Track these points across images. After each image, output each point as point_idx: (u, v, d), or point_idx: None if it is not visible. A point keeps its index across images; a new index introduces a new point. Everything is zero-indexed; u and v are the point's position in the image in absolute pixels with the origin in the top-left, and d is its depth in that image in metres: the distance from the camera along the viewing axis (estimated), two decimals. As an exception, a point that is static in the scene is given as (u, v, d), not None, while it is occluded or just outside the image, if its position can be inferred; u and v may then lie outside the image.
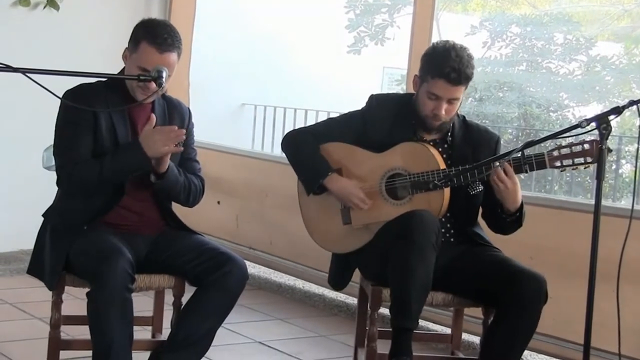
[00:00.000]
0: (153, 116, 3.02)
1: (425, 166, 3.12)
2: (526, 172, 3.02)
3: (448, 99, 3.13)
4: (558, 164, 2.95)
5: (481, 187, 3.18)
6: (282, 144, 3.43)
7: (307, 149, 3.31)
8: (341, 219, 3.28)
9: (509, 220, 3.13)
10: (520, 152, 2.98)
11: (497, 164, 3.01)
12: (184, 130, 3.02)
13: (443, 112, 3.13)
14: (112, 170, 3.01)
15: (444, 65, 3.08)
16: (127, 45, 3.09)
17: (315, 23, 9.44)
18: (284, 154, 3.47)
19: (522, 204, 3.11)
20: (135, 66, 2.99)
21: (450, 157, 3.22)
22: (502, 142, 3.39)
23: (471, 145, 3.25)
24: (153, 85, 2.94)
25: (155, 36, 2.99)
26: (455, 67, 3.07)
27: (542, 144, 3.05)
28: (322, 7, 9.78)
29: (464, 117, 3.33)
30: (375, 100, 3.34)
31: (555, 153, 2.95)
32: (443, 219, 3.17)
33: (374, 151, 3.24)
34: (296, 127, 3.59)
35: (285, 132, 3.50)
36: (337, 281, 3.42)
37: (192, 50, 5.87)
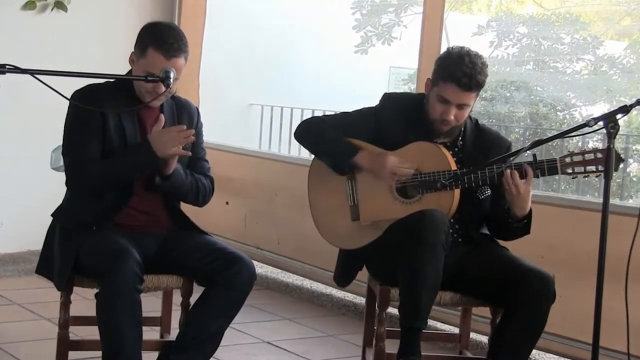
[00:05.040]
0: (162, 117, 3.03)
1: (437, 166, 3.12)
2: (537, 176, 3.03)
3: (457, 104, 3.12)
4: (570, 170, 2.96)
5: (489, 192, 3.18)
6: (297, 131, 3.41)
7: (329, 133, 3.29)
8: (350, 215, 3.28)
9: (514, 225, 3.13)
10: (532, 157, 2.98)
11: (505, 165, 3.01)
12: (193, 131, 3.03)
13: (452, 117, 3.13)
14: (121, 169, 3.02)
15: (456, 69, 3.08)
16: (133, 49, 3.10)
17: (323, 24, 9.45)
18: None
19: (530, 212, 3.11)
20: (143, 71, 2.98)
21: (461, 161, 3.22)
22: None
23: (482, 150, 3.24)
24: (162, 88, 2.95)
25: (162, 42, 2.99)
26: (467, 72, 3.07)
27: (550, 144, 3.05)
28: (329, 7, 9.80)
29: (476, 120, 3.33)
30: (389, 100, 3.34)
31: (568, 160, 2.96)
32: (451, 220, 3.17)
33: (386, 149, 3.24)
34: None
35: (298, 125, 3.46)
36: (343, 278, 3.42)
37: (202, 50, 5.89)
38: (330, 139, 3.28)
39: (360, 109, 3.38)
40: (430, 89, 3.20)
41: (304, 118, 7.08)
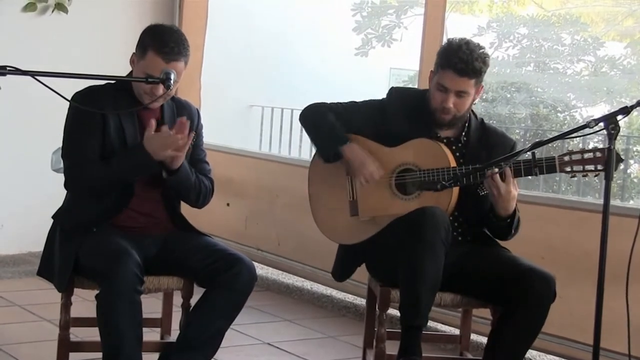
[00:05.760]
0: (152, 121, 3.00)
1: (436, 163, 3.13)
2: (536, 174, 3.02)
3: (456, 91, 3.14)
4: (568, 169, 2.95)
5: None
6: (302, 113, 3.42)
7: (328, 119, 3.31)
8: (349, 211, 3.29)
9: (499, 224, 3.14)
10: (530, 154, 2.97)
11: (502, 165, 3.01)
12: (181, 136, 2.98)
13: (451, 104, 3.15)
14: (119, 171, 3.02)
15: (453, 56, 3.12)
16: (134, 50, 3.10)
17: (323, 26, 9.46)
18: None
19: (514, 213, 3.11)
20: (143, 73, 2.97)
21: (464, 157, 3.23)
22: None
23: (486, 148, 3.25)
24: (160, 91, 2.95)
25: (161, 45, 2.99)
26: (464, 59, 3.10)
27: (550, 145, 3.04)
28: (329, 9, 9.80)
29: (482, 119, 3.34)
30: (395, 93, 3.36)
31: (567, 158, 2.95)
32: (451, 218, 3.17)
33: (387, 144, 3.25)
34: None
35: (304, 107, 3.47)
36: (340, 274, 3.43)
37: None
38: (329, 124, 3.30)
39: (368, 100, 3.39)
40: (432, 79, 3.23)
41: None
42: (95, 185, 3.05)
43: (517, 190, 3.06)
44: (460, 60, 3.10)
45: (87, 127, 3.05)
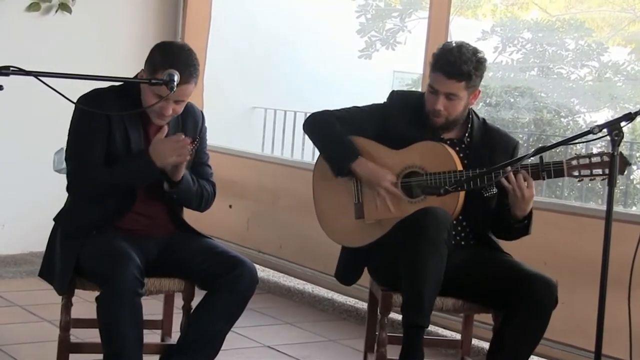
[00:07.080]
0: (165, 127, 3.01)
1: (443, 166, 3.12)
2: (543, 179, 3.02)
3: (445, 94, 3.15)
4: (576, 173, 2.94)
5: (495, 190, 3.17)
6: (305, 123, 3.42)
7: (335, 131, 3.30)
8: (354, 213, 3.28)
9: (515, 226, 3.13)
10: (538, 159, 2.96)
11: (509, 168, 3.01)
12: (189, 140, 2.98)
13: (440, 106, 3.15)
14: (122, 178, 3.02)
15: (443, 58, 3.14)
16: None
17: (326, 28, 9.45)
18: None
19: (530, 213, 3.10)
20: (152, 93, 2.95)
21: (467, 158, 3.23)
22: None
23: (489, 148, 3.25)
24: (169, 111, 2.95)
25: (171, 68, 2.94)
26: (452, 61, 3.11)
27: (554, 150, 3.04)
28: (333, 11, 9.80)
29: (484, 119, 3.34)
30: (396, 96, 3.37)
31: (574, 162, 2.94)
32: (455, 221, 3.16)
33: (392, 147, 3.24)
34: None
35: (307, 117, 3.46)
36: (346, 277, 3.41)
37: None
38: (335, 137, 3.29)
39: (370, 105, 3.39)
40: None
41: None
42: (97, 189, 3.05)
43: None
44: (448, 63, 3.11)
45: (92, 130, 3.03)
